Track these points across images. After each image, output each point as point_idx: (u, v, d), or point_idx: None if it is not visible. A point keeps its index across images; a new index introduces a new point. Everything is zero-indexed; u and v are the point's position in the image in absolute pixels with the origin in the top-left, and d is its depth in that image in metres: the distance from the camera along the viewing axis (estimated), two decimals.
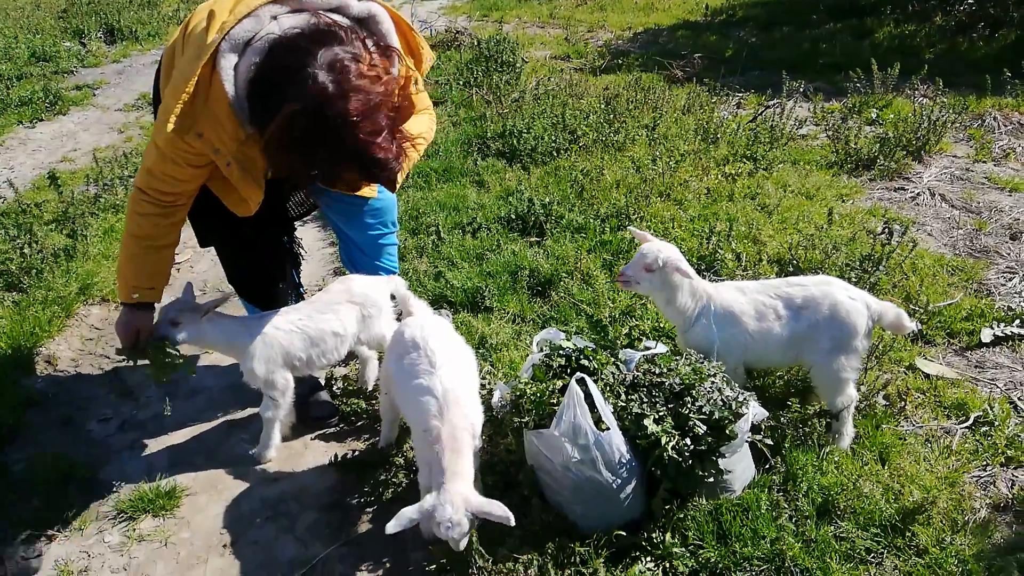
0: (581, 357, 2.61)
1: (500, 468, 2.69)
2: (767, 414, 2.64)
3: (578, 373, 2.46)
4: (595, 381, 2.46)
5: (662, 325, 3.46)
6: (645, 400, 2.47)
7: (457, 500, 2.12)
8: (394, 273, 3.32)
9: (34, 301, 3.94)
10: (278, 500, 2.83)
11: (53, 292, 4.01)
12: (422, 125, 2.68)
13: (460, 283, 3.91)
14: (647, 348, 2.75)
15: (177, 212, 2.62)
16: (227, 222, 2.74)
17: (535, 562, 2.34)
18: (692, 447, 2.37)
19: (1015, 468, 2.74)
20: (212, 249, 3.11)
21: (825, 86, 7.14)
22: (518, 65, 7.65)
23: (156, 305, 2.78)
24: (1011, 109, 6.15)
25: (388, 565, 2.53)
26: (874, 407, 2.95)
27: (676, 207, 4.68)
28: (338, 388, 3.36)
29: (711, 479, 2.43)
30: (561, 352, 2.64)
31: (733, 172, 5.14)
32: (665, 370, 2.55)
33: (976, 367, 3.30)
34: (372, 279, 3.09)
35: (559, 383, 2.53)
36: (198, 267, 4.57)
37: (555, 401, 2.47)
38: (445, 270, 4.08)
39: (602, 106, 6.26)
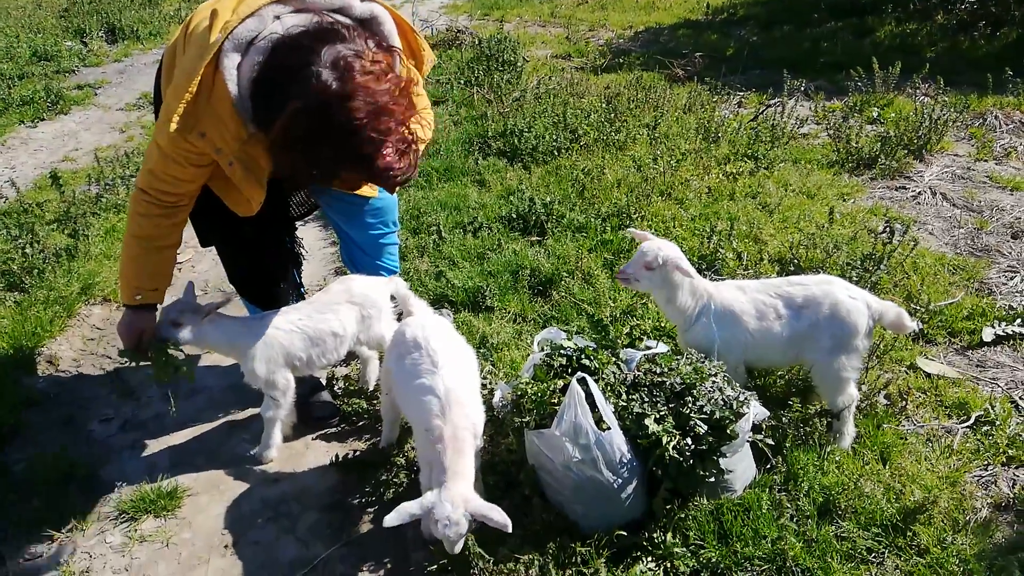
0: (582, 357, 2.61)
1: (501, 468, 2.69)
2: (768, 414, 2.64)
3: (579, 373, 2.46)
4: (596, 381, 2.46)
5: (663, 324, 3.46)
6: (646, 400, 2.47)
7: (457, 499, 2.12)
8: (395, 272, 3.33)
9: (36, 301, 3.95)
10: (279, 500, 2.83)
11: (55, 292, 4.02)
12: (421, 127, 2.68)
13: (461, 282, 3.91)
14: (648, 348, 2.74)
15: (179, 213, 2.62)
16: (228, 222, 2.74)
17: (536, 562, 2.34)
18: (693, 447, 2.36)
19: (1016, 467, 2.74)
20: (213, 249, 3.11)
21: (826, 85, 7.13)
22: (519, 64, 7.64)
23: (158, 306, 2.79)
24: (1012, 108, 6.14)
25: (389, 565, 2.53)
26: (875, 406, 2.95)
27: (677, 206, 4.67)
28: (339, 388, 3.36)
29: (712, 479, 2.43)
30: (562, 352, 2.64)
31: (734, 171, 5.14)
32: (666, 370, 2.55)
33: (977, 366, 3.30)
34: (372, 279, 3.09)
35: (560, 383, 2.53)
36: (199, 267, 4.57)
37: (556, 401, 2.47)
38: (446, 269, 4.08)
39: (603, 105, 6.26)
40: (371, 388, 3.28)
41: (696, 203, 4.70)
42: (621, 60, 8.36)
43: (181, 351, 2.83)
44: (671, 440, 2.35)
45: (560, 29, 10.31)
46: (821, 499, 2.52)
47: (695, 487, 2.45)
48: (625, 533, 2.39)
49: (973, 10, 8.45)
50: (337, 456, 2.96)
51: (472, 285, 3.87)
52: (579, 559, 2.34)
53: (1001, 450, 2.79)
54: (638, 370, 2.59)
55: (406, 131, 2.25)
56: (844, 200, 4.81)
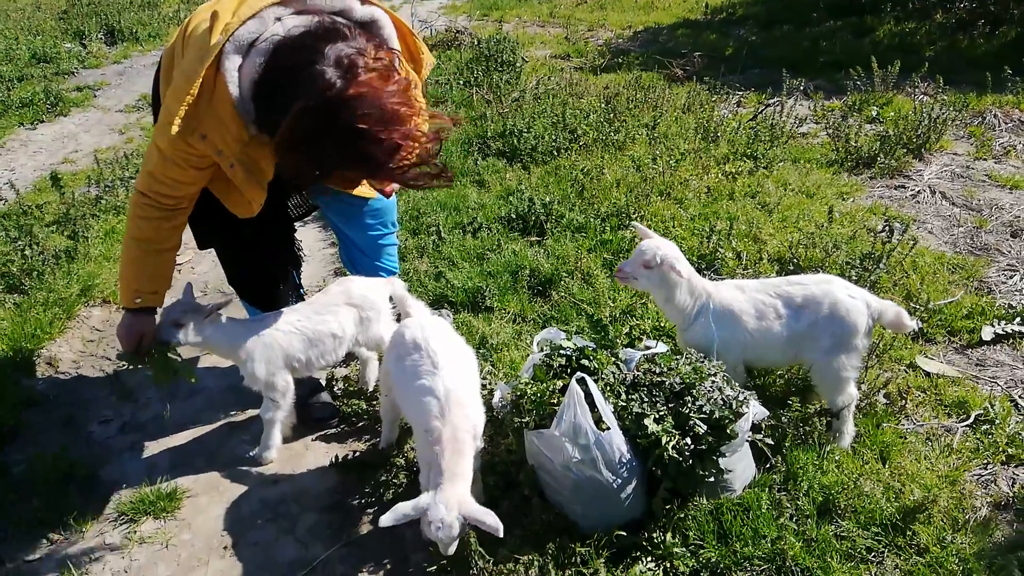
0: (581, 357, 2.61)
1: (501, 468, 2.69)
2: (767, 413, 2.64)
3: (578, 373, 2.46)
4: (595, 381, 2.46)
5: (663, 324, 3.46)
6: (645, 400, 2.47)
7: (452, 502, 2.13)
8: (394, 273, 3.33)
9: (35, 303, 3.95)
10: (279, 501, 2.83)
11: (54, 294, 4.02)
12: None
13: (461, 283, 3.91)
14: (647, 347, 2.75)
15: (179, 215, 2.61)
16: (228, 224, 2.74)
17: (536, 562, 2.34)
18: (692, 446, 2.36)
19: (1016, 466, 2.74)
20: (212, 251, 3.11)
21: (825, 84, 7.14)
22: (518, 64, 7.65)
23: (158, 309, 2.78)
24: (1011, 106, 6.14)
25: (389, 566, 2.53)
26: (875, 406, 2.95)
27: (676, 206, 4.67)
28: (339, 389, 3.36)
29: (711, 478, 2.43)
30: (562, 352, 2.64)
31: (733, 171, 5.14)
32: (665, 369, 2.55)
33: (977, 365, 3.30)
34: (371, 281, 3.09)
35: (559, 383, 2.53)
36: (199, 268, 4.57)
37: (555, 401, 2.47)
38: (446, 270, 4.08)
39: (602, 105, 6.26)
40: (370, 389, 3.28)
41: (695, 203, 4.71)
42: (620, 60, 8.37)
43: (179, 355, 2.83)
44: (670, 440, 2.35)
45: (559, 29, 10.32)
46: (821, 498, 2.52)
47: (694, 487, 2.45)
48: (625, 533, 2.39)
49: (972, 9, 8.45)
50: (337, 457, 2.96)
51: (472, 285, 3.87)
52: (579, 559, 2.34)
53: (1001, 449, 2.79)
54: (637, 370, 2.59)
55: (413, 128, 2.23)
56: (843, 199, 4.81)
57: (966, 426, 2.92)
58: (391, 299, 3.08)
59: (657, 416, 2.40)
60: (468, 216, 4.69)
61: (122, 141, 6.78)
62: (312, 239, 4.78)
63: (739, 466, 2.54)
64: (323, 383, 3.34)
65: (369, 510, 2.74)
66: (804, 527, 2.41)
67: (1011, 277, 3.89)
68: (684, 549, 2.36)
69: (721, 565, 2.33)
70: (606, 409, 2.39)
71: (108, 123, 7.31)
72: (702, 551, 2.36)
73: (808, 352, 2.75)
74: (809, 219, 4.43)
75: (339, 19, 2.34)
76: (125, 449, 3.14)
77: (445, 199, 4.91)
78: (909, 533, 2.41)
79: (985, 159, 5.36)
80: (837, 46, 8.18)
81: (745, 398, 2.46)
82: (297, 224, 3.30)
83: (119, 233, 4.68)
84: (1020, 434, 2.84)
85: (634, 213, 4.51)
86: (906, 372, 3.21)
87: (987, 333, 3.42)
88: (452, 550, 2.18)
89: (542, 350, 2.70)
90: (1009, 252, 4.14)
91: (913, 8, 9.03)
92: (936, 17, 8.68)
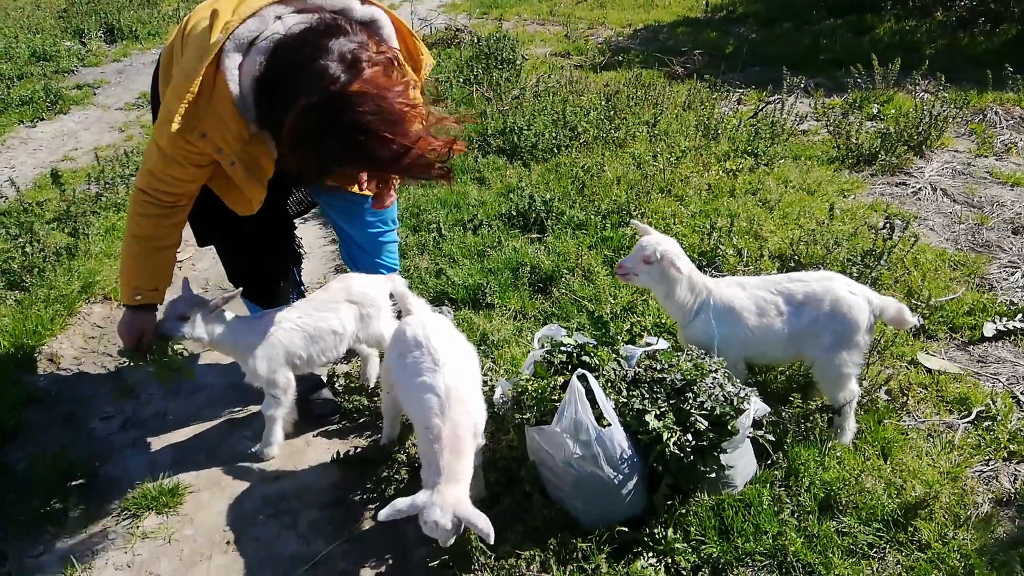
0: (582, 353, 2.61)
1: (502, 464, 2.69)
2: (769, 410, 2.64)
3: (579, 369, 2.46)
4: (596, 377, 2.46)
5: (663, 321, 3.46)
6: (646, 396, 2.47)
7: (447, 503, 2.13)
8: (395, 270, 3.32)
9: (36, 299, 3.95)
10: (280, 497, 2.83)
11: (55, 290, 4.02)
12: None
13: (461, 280, 3.91)
14: (648, 344, 2.74)
15: (179, 213, 2.62)
16: (228, 221, 2.74)
17: (537, 558, 2.34)
18: (694, 443, 2.37)
19: (1017, 463, 2.74)
20: (213, 247, 3.11)
21: (826, 82, 7.13)
22: (518, 62, 7.64)
23: (158, 306, 2.78)
24: (1012, 104, 6.14)
25: (391, 562, 2.53)
26: (876, 402, 2.95)
27: (677, 203, 4.67)
28: (340, 385, 3.36)
29: (713, 475, 2.43)
30: (562, 348, 2.64)
31: (734, 168, 5.14)
32: (666, 366, 2.55)
33: (978, 362, 3.30)
34: (371, 278, 3.09)
35: (560, 379, 2.53)
36: (199, 266, 4.57)
37: (556, 397, 2.47)
38: (446, 267, 4.08)
39: (602, 103, 6.26)
40: (371, 385, 3.28)
41: (696, 200, 4.70)
42: (620, 58, 8.36)
43: (184, 350, 2.83)
44: (672, 436, 2.35)
45: (559, 27, 10.31)
46: (822, 495, 2.52)
47: (696, 483, 2.45)
48: (626, 529, 2.39)
49: (972, 7, 8.45)
50: (338, 453, 2.96)
51: (472, 282, 3.87)
52: (580, 555, 2.35)
53: (1002, 445, 2.79)
54: (638, 366, 2.59)
55: (419, 132, 2.20)
56: (844, 196, 4.81)
57: (967, 422, 2.92)
58: (392, 296, 3.08)
59: (658, 412, 2.40)
60: (469, 213, 4.69)
61: (122, 139, 6.78)
62: (312, 236, 4.78)
63: (740, 462, 2.54)
64: (324, 379, 3.34)
65: (370, 506, 2.74)
66: (805, 523, 2.41)
67: (1012, 274, 3.89)
68: (685, 545, 2.36)
69: (722, 561, 2.33)
70: (607, 405, 2.39)
71: (108, 121, 7.31)
72: (703, 547, 2.36)
73: (809, 349, 2.75)
74: (810, 216, 4.43)
75: (339, 17, 2.33)
76: (127, 445, 3.14)
77: (446, 196, 4.91)
78: (910, 529, 2.41)
79: (986, 156, 5.36)
80: (837, 44, 8.17)
81: (746, 394, 2.46)
82: (297, 221, 3.31)
83: (119, 230, 4.69)
84: (1022, 430, 2.84)
85: (635, 210, 4.51)
86: (907, 368, 3.21)
87: (989, 329, 3.42)
88: (451, 543, 2.20)
89: (543, 347, 2.70)
90: (1010, 249, 4.14)
91: (913, 6, 9.02)
92: (937, 15, 8.68)
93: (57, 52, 9.30)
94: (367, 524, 2.68)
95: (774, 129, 5.63)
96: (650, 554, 2.35)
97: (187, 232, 2.80)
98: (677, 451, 2.35)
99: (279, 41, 2.24)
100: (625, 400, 2.46)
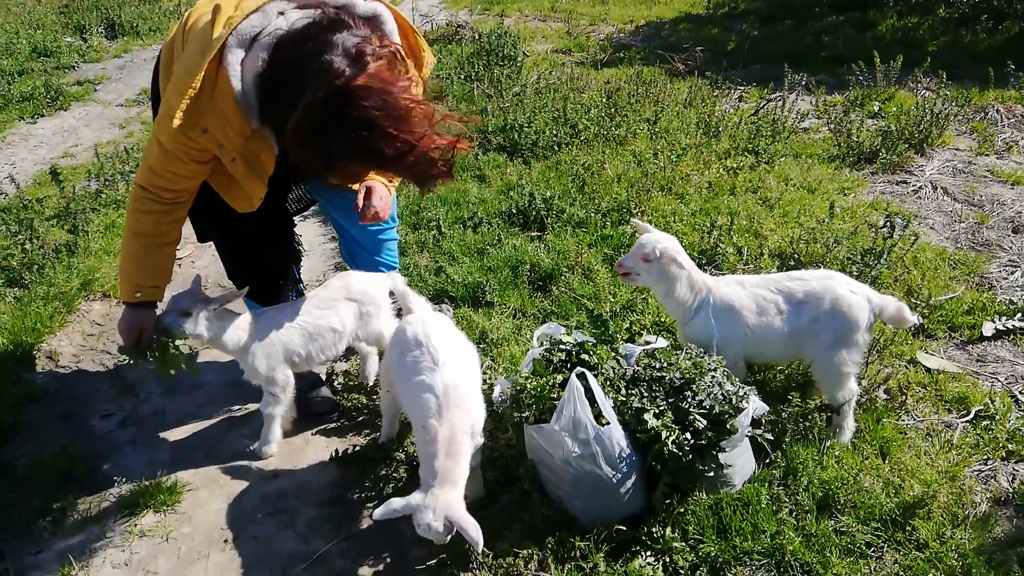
0: (581, 352, 2.61)
1: (500, 462, 2.69)
2: (767, 408, 2.64)
3: (578, 368, 2.46)
4: (595, 376, 2.46)
5: (663, 320, 3.46)
6: (645, 394, 2.46)
7: (440, 507, 2.14)
8: (394, 268, 3.32)
9: (35, 297, 3.95)
10: (279, 496, 2.83)
11: (54, 288, 4.02)
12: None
13: (461, 278, 3.90)
14: (647, 342, 2.74)
15: (179, 209, 2.61)
16: (227, 218, 2.73)
17: (535, 556, 2.34)
18: (692, 441, 2.36)
19: (1016, 462, 2.74)
20: (212, 245, 3.11)
21: (827, 79, 7.12)
22: (519, 59, 7.63)
23: (158, 303, 2.78)
24: (1014, 102, 6.13)
25: (388, 560, 2.53)
26: (875, 401, 2.95)
27: (677, 201, 4.67)
28: (339, 383, 3.36)
29: (711, 473, 2.43)
30: (561, 347, 2.64)
31: (735, 166, 5.13)
32: (665, 364, 2.54)
33: (977, 361, 3.30)
34: (371, 276, 3.08)
35: (559, 377, 2.53)
36: (199, 263, 4.57)
37: (555, 396, 2.47)
38: (446, 265, 4.08)
39: (603, 100, 6.25)
40: (370, 384, 3.28)
41: (696, 198, 4.70)
42: (621, 55, 8.35)
43: (187, 346, 2.82)
44: (670, 435, 2.35)
45: (560, 24, 10.29)
46: (820, 494, 2.52)
47: (694, 482, 2.45)
48: (624, 527, 2.39)
49: (975, 4, 8.43)
50: (337, 451, 2.96)
51: (472, 280, 3.87)
52: (578, 553, 2.35)
53: (1001, 445, 2.78)
54: (637, 365, 2.59)
55: (425, 130, 2.17)
56: (845, 195, 4.80)
57: (966, 422, 2.92)
58: (391, 294, 3.07)
59: (657, 411, 2.40)
60: (469, 211, 4.68)
61: (122, 135, 6.78)
62: (312, 234, 4.78)
63: (739, 461, 2.54)
64: (323, 377, 3.34)
65: (369, 504, 2.74)
66: (803, 522, 2.41)
67: (1012, 273, 3.89)
68: (683, 544, 2.36)
69: (720, 560, 2.33)
70: (606, 404, 2.39)
71: (108, 117, 7.31)
72: (701, 546, 2.36)
73: (809, 348, 2.75)
74: (810, 214, 4.43)
75: (342, 12, 2.33)
76: (126, 443, 3.14)
77: (446, 194, 4.90)
78: (909, 528, 2.41)
79: (987, 155, 5.35)
80: (839, 41, 8.16)
81: (745, 393, 2.46)
82: (297, 219, 3.30)
83: (119, 227, 4.68)
84: (1020, 430, 2.84)
85: (635, 208, 4.51)
86: (906, 368, 3.20)
87: (988, 329, 3.42)
88: (446, 541, 2.21)
89: (542, 345, 2.70)
90: (1010, 248, 4.13)
91: (916, 3, 9.01)
92: (939, 12, 8.66)
93: (58, 48, 9.29)
94: (365, 522, 2.68)
95: (775, 127, 5.62)
96: (648, 553, 2.35)
97: (186, 229, 2.79)
98: (675, 450, 2.35)
99: (282, 36, 2.23)
100: (624, 399, 2.46)
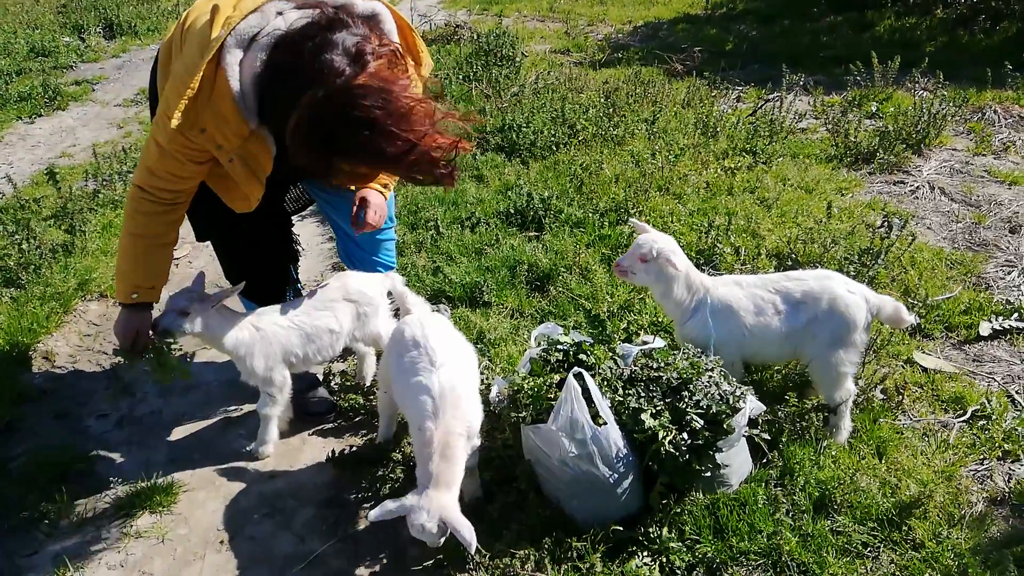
0: (579, 352, 2.61)
1: (497, 462, 2.69)
2: (764, 408, 2.64)
3: (576, 368, 2.46)
4: (593, 376, 2.46)
5: (660, 320, 3.46)
6: (642, 394, 2.46)
7: (434, 509, 2.14)
8: (392, 268, 3.32)
9: (32, 297, 3.94)
10: (275, 496, 2.83)
11: (51, 288, 4.01)
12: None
13: (459, 278, 3.90)
14: (645, 343, 2.74)
15: (177, 210, 2.60)
16: (225, 218, 2.73)
17: (532, 557, 2.34)
18: (689, 441, 2.36)
19: (1012, 462, 2.74)
20: (209, 244, 3.11)
21: (825, 79, 7.12)
22: (517, 59, 7.63)
23: (154, 305, 2.77)
24: (1011, 102, 6.14)
25: (384, 561, 2.53)
26: (872, 401, 2.95)
27: (675, 201, 4.67)
28: (336, 384, 3.36)
29: (708, 473, 2.43)
30: (559, 347, 2.63)
31: (732, 166, 5.13)
32: (663, 364, 2.54)
33: (974, 361, 3.30)
34: (368, 276, 3.08)
35: (557, 378, 2.53)
36: (196, 263, 4.56)
37: (552, 396, 2.47)
38: (444, 265, 4.07)
39: (602, 100, 6.25)
40: (367, 384, 3.28)
41: (694, 198, 4.70)
42: (620, 55, 8.35)
43: (181, 348, 2.81)
44: (667, 435, 2.34)
45: (559, 24, 10.29)
46: (817, 494, 2.52)
47: (691, 482, 2.45)
48: (621, 528, 2.38)
49: (973, 4, 8.45)
50: (333, 452, 2.95)
51: (470, 280, 3.87)
52: (575, 554, 2.34)
53: (997, 444, 2.79)
54: (635, 365, 2.58)
55: (426, 130, 2.16)
56: (842, 195, 4.80)
57: (963, 422, 2.92)
58: (389, 294, 3.07)
59: (654, 411, 2.40)
60: (466, 211, 4.68)
61: (120, 135, 6.77)
62: (310, 234, 4.77)
63: (736, 461, 2.54)
64: (320, 378, 3.34)
65: (365, 505, 2.74)
66: (800, 522, 2.41)
67: (1009, 273, 3.89)
68: (680, 544, 2.36)
69: (717, 560, 2.33)
70: (603, 404, 2.39)
71: (106, 117, 7.30)
72: (698, 546, 2.36)
73: (807, 348, 2.75)
74: (808, 214, 4.43)
75: (341, 11, 2.32)
76: (121, 444, 3.13)
77: (443, 194, 4.90)
78: (905, 528, 2.41)
79: (984, 155, 5.36)
80: (837, 41, 8.17)
81: (742, 393, 2.46)
82: (295, 219, 3.30)
83: (116, 227, 4.68)
84: (1016, 430, 2.84)
85: (633, 208, 4.51)
86: (903, 367, 3.21)
87: (985, 329, 3.42)
88: (440, 543, 2.22)
89: (539, 345, 2.70)
90: (1007, 248, 4.14)
91: (914, 3, 9.02)
92: (937, 12, 8.67)
93: (56, 48, 9.28)
94: (362, 523, 2.68)
95: (773, 127, 5.62)
96: (645, 553, 2.34)
97: (184, 229, 2.79)
98: (673, 450, 2.35)
99: (281, 37, 2.23)
100: (621, 399, 2.46)
